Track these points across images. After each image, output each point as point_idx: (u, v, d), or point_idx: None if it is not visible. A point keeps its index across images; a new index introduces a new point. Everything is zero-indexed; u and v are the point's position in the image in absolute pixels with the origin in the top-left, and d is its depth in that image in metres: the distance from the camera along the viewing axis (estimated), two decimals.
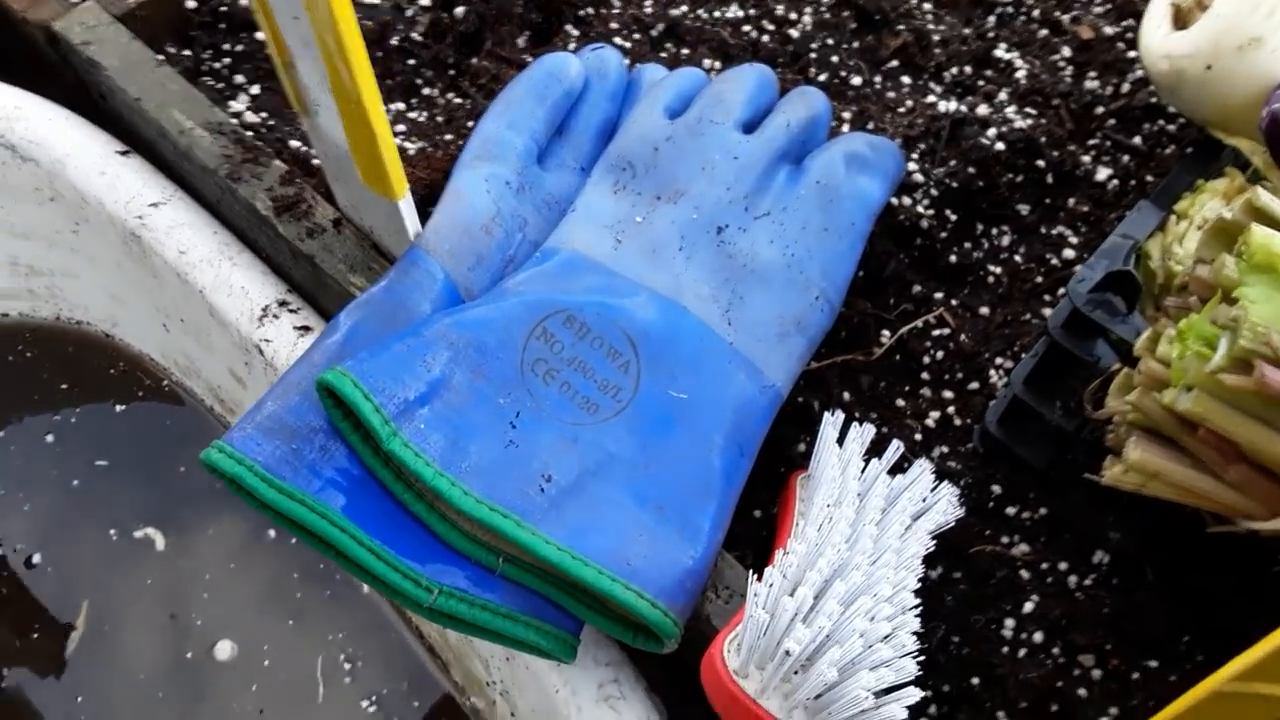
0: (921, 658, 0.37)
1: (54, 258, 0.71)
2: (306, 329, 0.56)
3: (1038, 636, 0.48)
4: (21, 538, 0.69)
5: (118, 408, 0.73)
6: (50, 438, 0.71)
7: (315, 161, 0.58)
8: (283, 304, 0.57)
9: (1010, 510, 0.51)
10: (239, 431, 0.41)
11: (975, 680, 0.47)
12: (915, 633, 0.37)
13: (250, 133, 0.60)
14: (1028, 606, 0.48)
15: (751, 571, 0.39)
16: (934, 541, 0.43)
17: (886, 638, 0.36)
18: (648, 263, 0.48)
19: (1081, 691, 0.46)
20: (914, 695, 0.34)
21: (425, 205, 0.54)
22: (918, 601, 0.39)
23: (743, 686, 0.36)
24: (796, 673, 0.36)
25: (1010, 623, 0.48)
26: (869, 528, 0.41)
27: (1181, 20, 0.45)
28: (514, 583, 0.41)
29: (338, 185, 0.51)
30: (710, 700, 0.38)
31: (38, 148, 0.63)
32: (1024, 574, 0.49)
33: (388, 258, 0.52)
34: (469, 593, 0.41)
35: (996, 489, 0.51)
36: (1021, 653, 0.47)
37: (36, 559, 0.68)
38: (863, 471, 0.45)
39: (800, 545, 0.38)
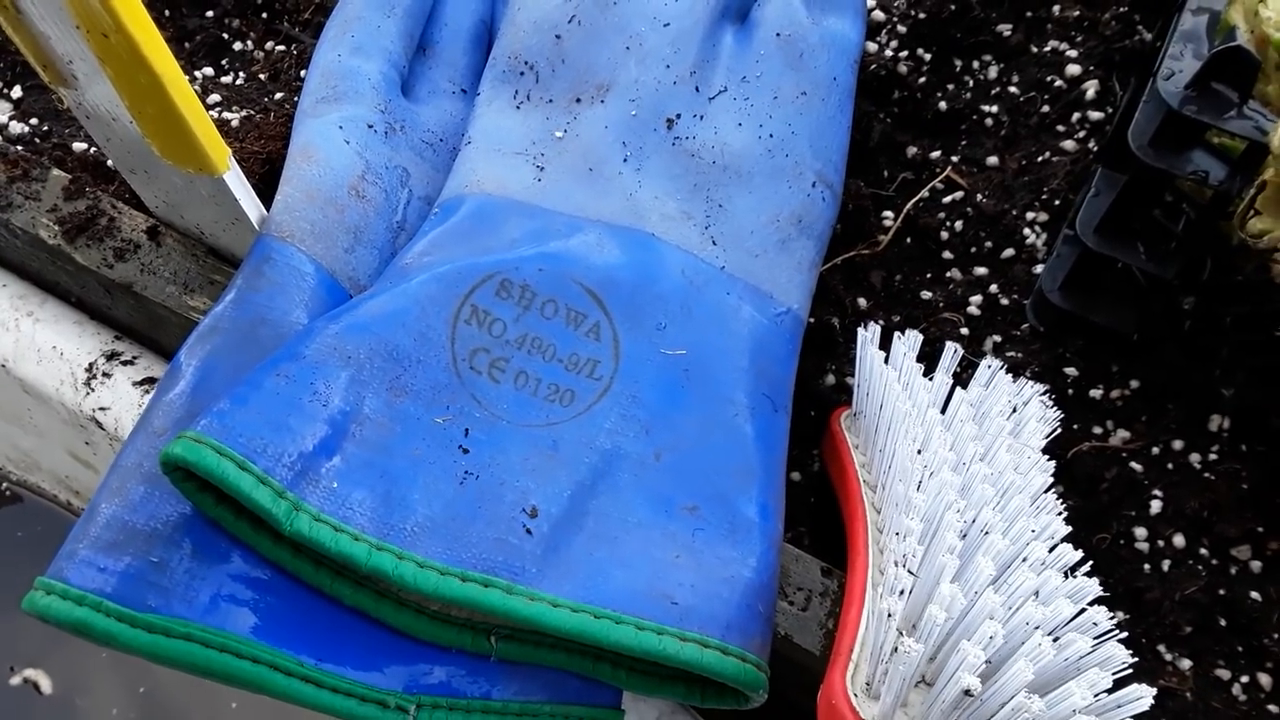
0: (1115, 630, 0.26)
1: None
2: (151, 380, 0.42)
3: (1178, 540, 0.38)
4: None
5: None
6: None
7: (109, 161, 0.44)
8: (112, 356, 0.43)
9: (1095, 393, 0.41)
10: (68, 559, 0.27)
11: (1123, 615, 0.37)
12: (1099, 599, 0.27)
13: (18, 146, 0.46)
14: (1155, 506, 0.38)
15: (828, 588, 0.28)
16: (1052, 460, 0.33)
17: (1072, 619, 0.25)
18: (587, 188, 0.35)
19: (1253, 594, 0.37)
20: (1145, 694, 0.24)
21: (270, 184, 0.41)
22: (1080, 555, 0.28)
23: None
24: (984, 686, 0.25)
25: (1141, 531, 0.38)
26: (978, 467, 0.30)
27: None
28: (515, 665, 0.29)
29: (139, 179, 0.36)
30: None
31: None
32: (1136, 466, 0.39)
33: (231, 261, 0.38)
34: (459, 695, 0.28)
35: (1072, 371, 0.41)
36: (1166, 565, 0.37)
37: None
38: (930, 391, 0.34)
39: (912, 520, 0.27)
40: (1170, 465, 0.39)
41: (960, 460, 0.31)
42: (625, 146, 0.36)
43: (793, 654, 0.32)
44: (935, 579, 0.25)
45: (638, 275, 0.33)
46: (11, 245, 0.43)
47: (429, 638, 0.29)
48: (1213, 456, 0.39)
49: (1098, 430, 0.40)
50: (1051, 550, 0.28)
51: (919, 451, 0.30)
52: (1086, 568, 0.28)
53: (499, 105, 0.38)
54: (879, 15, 0.47)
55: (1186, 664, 0.36)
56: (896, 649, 0.24)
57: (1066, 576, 0.27)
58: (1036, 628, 0.25)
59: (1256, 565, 0.38)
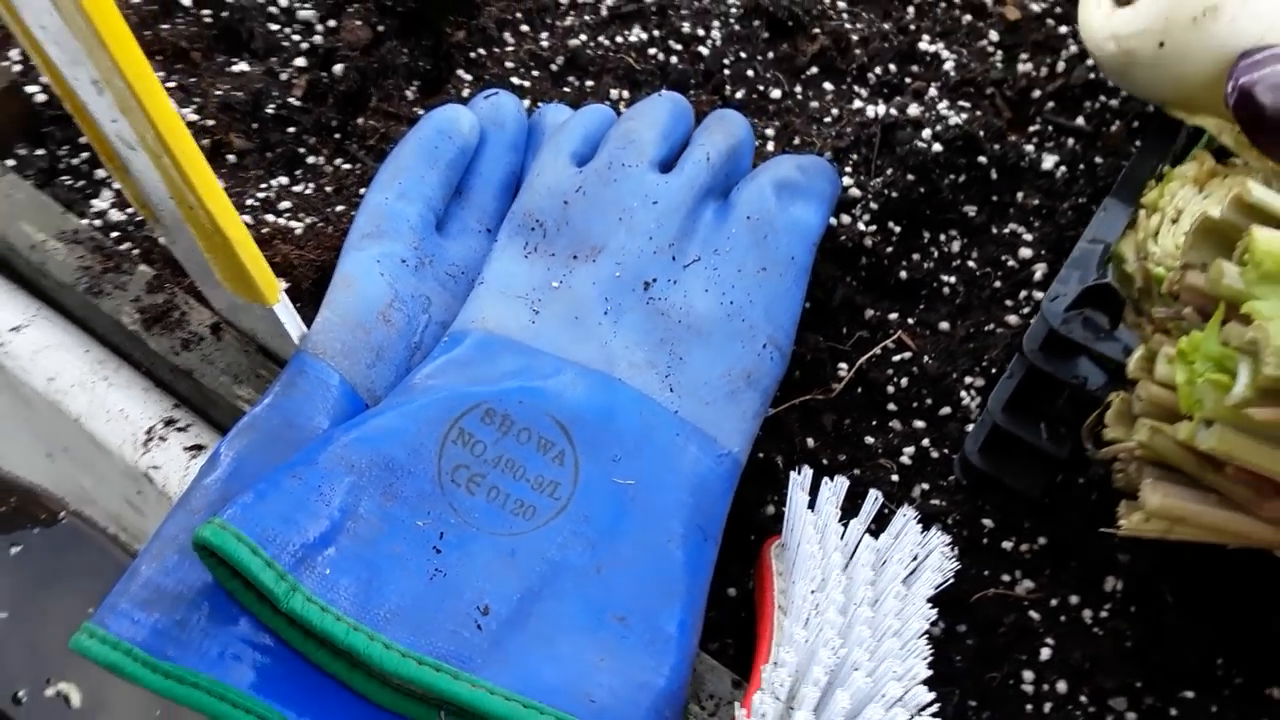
0: None
1: None
2: (199, 448, 0.49)
3: (1061, 686, 0.43)
4: None
5: (12, 550, 0.65)
6: None
7: None
8: (169, 423, 0.50)
9: (1006, 545, 0.46)
10: (109, 609, 0.34)
11: None
12: None
13: (115, 233, 0.54)
14: (1045, 653, 0.43)
15: (736, 697, 0.34)
16: (935, 608, 0.38)
17: None
18: (570, 333, 0.42)
19: None
20: None
21: (319, 290, 0.48)
22: (932, 698, 0.33)
23: None
24: None
25: (1029, 675, 0.43)
26: (862, 610, 0.36)
27: None
28: None
29: (208, 289, 0.44)
30: None
31: None
32: (1034, 615, 0.44)
33: (278, 361, 0.46)
34: None
35: (988, 523, 0.47)
36: (1048, 707, 0.42)
37: None
38: (842, 536, 0.40)
39: (789, 653, 0.33)
40: (1064, 617, 0.44)
41: (849, 602, 0.36)
42: (607, 301, 0.43)
43: None
44: (797, 707, 0.31)
45: (601, 413, 0.40)
46: (99, 321, 0.51)
47: (390, 706, 0.35)
48: (1104, 614, 0.44)
49: (1005, 578, 0.45)
50: (907, 693, 0.33)
51: (812, 591, 0.36)
52: (934, 709, 0.33)
53: (511, 253, 0.45)
54: (855, 191, 0.53)
55: None
56: None
57: (913, 716, 0.33)
58: None
59: (1132, 716, 0.42)
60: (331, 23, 0.61)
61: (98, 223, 0.54)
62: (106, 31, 0.28)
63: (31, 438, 0.60)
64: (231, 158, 0.57)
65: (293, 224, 0.55)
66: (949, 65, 0.59)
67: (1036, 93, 0.57)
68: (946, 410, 0.49)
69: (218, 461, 0.38)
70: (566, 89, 0.59)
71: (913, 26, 0.61)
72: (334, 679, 0.35)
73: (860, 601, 0.36)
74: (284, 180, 0.58)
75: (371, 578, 0.34)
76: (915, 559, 0.40)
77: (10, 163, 0.55)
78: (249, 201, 0.55)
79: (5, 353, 0.53)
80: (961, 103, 0.57)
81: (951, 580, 0.41)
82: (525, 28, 0.61)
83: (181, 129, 0.31)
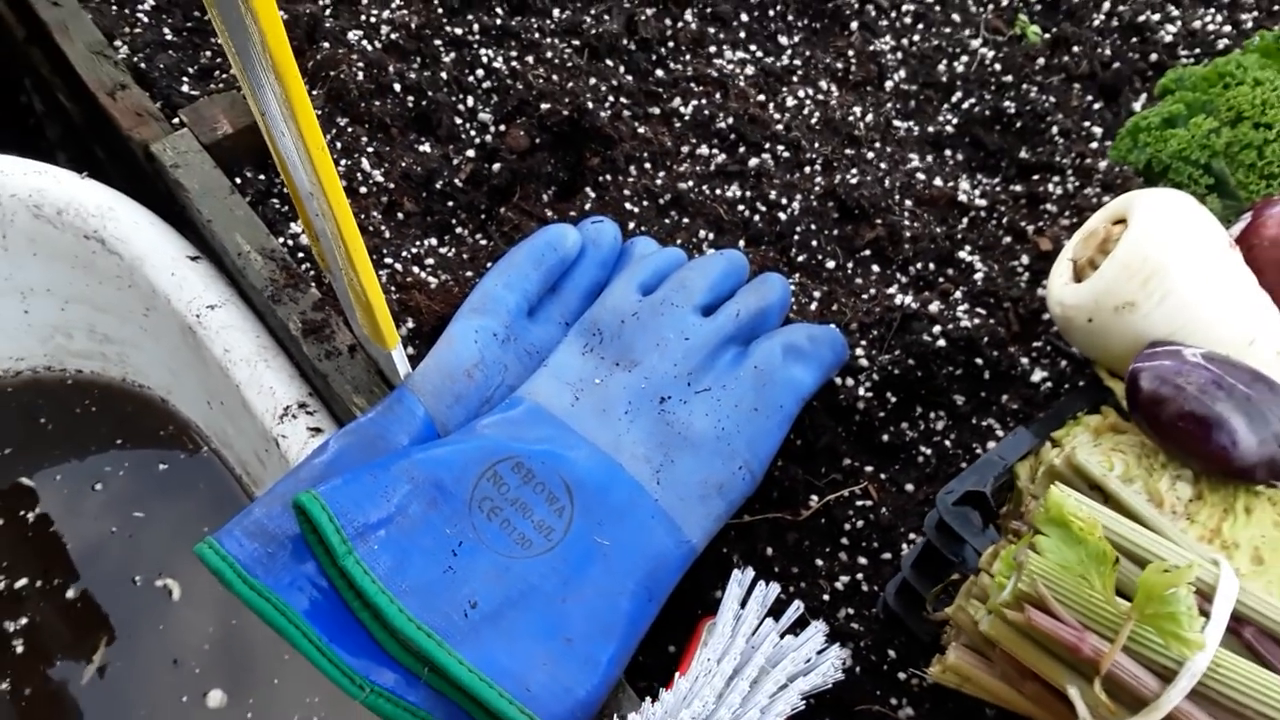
0: None
1: (126, 331, 0.82)
2: (318, 430, 0.65)
3: None
4: (60, 574, 0.79)
5: (161, 466, 0.83)
6: (99, 487, 0.82)
7: None
8: (302, 406, 0.66)
9: (901, 675, 0.56)
10: (229, 532, 0.49)
11: None
12: None
13: (300, 254, 0.70)
14: None
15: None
16: (804, 702, 0.49)
17: None
18: (596, 421, 0.56)
19: None
20: None
21: (435, 334, 0.63)
22: None
23: None
24: None
25: None
26: (742, 684, 0.47)
27: (1078, 274, 0.52)
28: (434, 690, 0.49)
29: (352, 323, 0.60)
30: None
31: (122, 244, 0.74)
32: None
33: (388, 385, 0.61)
34: (394, 694, 0.48)
35: (892, 654, 0.57)
36: None
37: (70, 594, 0.77)
38: (755, 630, 0.52)
39: (668, 695, 0.45)
40: None
41: (737, 676, 0.48)
42: (630, 405, 0.56)
43: None
44: None
45: (600, 486, 0.53)
46: (272, 320, 0.67)
47: (393, 654, 0.48)
48: None
49: (892, 701, 0.56)
50: None
51: (709, 659, 0.48)
52: None
53: (573, 348, 0.59)
54: (864, 362, 0.65)
55: None
56: None
57: None
58: None
59: None
60: (502, 128, 0.77)
61: (290, 243, 0.71)
62: (315, 152, 0.44)
63: (199, 388, 0.78)
64: (400, 215, 0.73)
65: (430, 279, 0.70)
66: (979, 275, 0.70)
67: (1047, 315, 0.68)
68: (887, 555, 0.60)
69: (325, 449, 0.53)
70: (666, 221, 0.73)
71: (959, 236, 0.72)
72: (360, 624, 0.49)
73: (745, 678, 0.48)
74: (434, 242, 0.73)
75: (403, 559, 0.48)
76: (809, 662, 0.51)
77: (237, 181, 0.73)
78: (404, 253, 0.71)
79: (201, 323, 0.70)
80: (979, 309, 0.68)
81: (833, 686, 0.52)
82: (647, 165, 0.76)
83: (355, 232, 0.46)
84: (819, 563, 0.60)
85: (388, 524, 0.49)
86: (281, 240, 0.70)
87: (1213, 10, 0.86)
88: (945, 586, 0.51)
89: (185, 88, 0.78)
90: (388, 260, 0.69)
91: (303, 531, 0.49)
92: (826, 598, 0.59)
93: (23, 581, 0.79)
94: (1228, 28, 0.85)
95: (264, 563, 0.48)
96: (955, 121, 0.80)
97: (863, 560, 0.60)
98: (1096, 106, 0.80)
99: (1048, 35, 0.84)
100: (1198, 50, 0.83)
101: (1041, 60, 0.82)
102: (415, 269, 0.70)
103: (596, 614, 0.50)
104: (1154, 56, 0.83)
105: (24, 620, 0.77)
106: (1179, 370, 0.46)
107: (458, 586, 0.49)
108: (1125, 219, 0.51)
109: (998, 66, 0.82)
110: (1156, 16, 0.85)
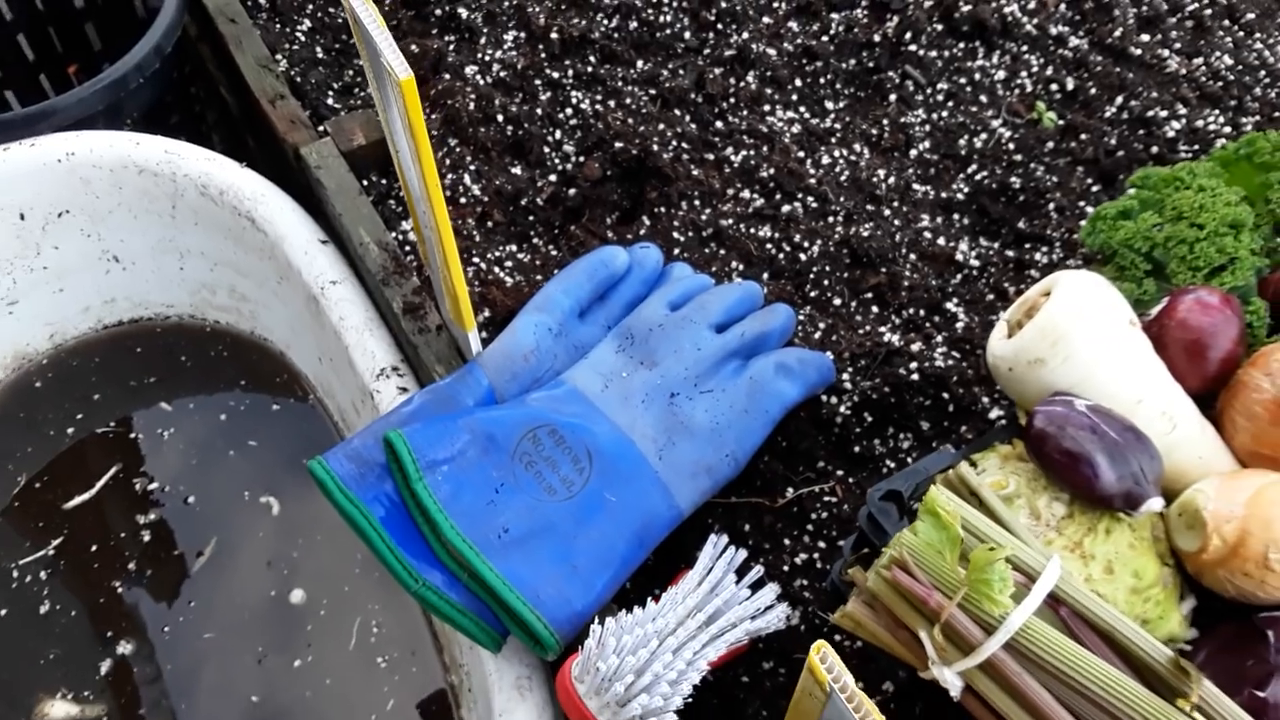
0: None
1: (261, 294, 1.00)
2: (404, 389, 0.82)
3: None
4: (185, 483, 0.97)
5: (274, 406, 1.01)
6: (223, 417, 1.00)
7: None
8: (394, 369, 0.83)
9: (838, 637, 0.70)
10: (334, 454, 0.66)
11: None
12: (695, 685, 0.58)
13: (408, 248, 0.87)
14: None
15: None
16: (752, 643, 0.64)
17: (673, 682, 0.57)
18: (619, 406, 0.71)
19: None
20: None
21: (505, 323, 0.79)
22: (707, 668, 0.59)
23: (578, 690, 0.58)
24: (623, 705, 0.57)
25: None
26: (700, 616, 0.62)
27: (1010, 332, 0.65)
28: (470, 592, 0.64)
29: (442, 308, 0.77)
30: (561, 703, 0.60)
31: (268, 224, 0.92)
32: None
33: (462, 358, 0.77)
34: (440, 590, 0.64)
35: (831, 617, 0.71)
36: None
37: (190, 499, 0.96)
38: (720, 581, 0.66)
39: (641, 612, 0.60)
40: None
41: (690, 612, 0.62)
42: (646, 397, 0.71)
43: None
44: (624, 633, 0.58)
45: (614, 455, 0.68)
46: (380, 298, 0.84)
47: (441, 559, 0.64)
48: (876, 700, 0.68)
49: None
50: (693, 660, 0.59)
51: (670, 597, 0.63)
52: (703, 673, 0.59)
53: (610, 347, 0.74)
54: (848, 385, 0.79)
55: None
56: (587, 647, 0.57)
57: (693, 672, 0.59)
58: (656, 676, 0.57)
59: None
60: (581, 159, 0.93)
61: (400, 238, 0.88)
62: (429, 177, 0.60)
63: (313, 345, 0.95)
64: (490, 224, 0.90)
65: (507, 278, 0.86)
66: (960, 324, 0.83)
67: None
68: (841, 543, 0.74)
69: (410, 402, 0.69)
70: (706, 250, 0.88)
71: (950, 289, 0.85)
72: (420, 535, 0.65)
73: (705, 612, 0.63)
74: (513, 248, 0.90)
75: (458, 490, 0.64)
76: (760, 613, 0.66)
77: (364, 184, 0.90)
78: (489, 255, 0.87)
79: (323, 294, 0.87)
80: (954, 353, 0.81)
81: (774, 633, 0.66)
82: (696, 202, 0.91)
83: (451, 239, 0.62)
84: (786, 542, 0.74)
85: (450, 462, 0.65)
86: (394, 235, 0.87)
87: (1218, 111, 0.97)
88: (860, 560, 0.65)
89: (330, 100, 0.96)
90: (475, 260, 0.86)
91: (387, 460, 0.66)
92: (786, 569, 0.73)
93: (154, 485, 0.97)
94: (1228, 129, 0.96)
95: (357, 480, 0.65)
96: (966, 190, 0.93)
97: (822, 544, 0.74)
98: (1095, 189, 0.92)
99: (1062, 121, 0.97)
100: (1196, 146, 0.95)
101: (1051, 143, 0.95)
102: (496, 269, 0.86)
103: (598, 551, 0.65)
104: (1155, 149, 0.94)
105: (153, 515, 0.96)
106: (1066, 415, 0.59)
107: (496, 515, 0.65)
108: (1050, 292, 0.64)
109: (1012, 145, 0.95)
110: (1164, 113, 0.97)
